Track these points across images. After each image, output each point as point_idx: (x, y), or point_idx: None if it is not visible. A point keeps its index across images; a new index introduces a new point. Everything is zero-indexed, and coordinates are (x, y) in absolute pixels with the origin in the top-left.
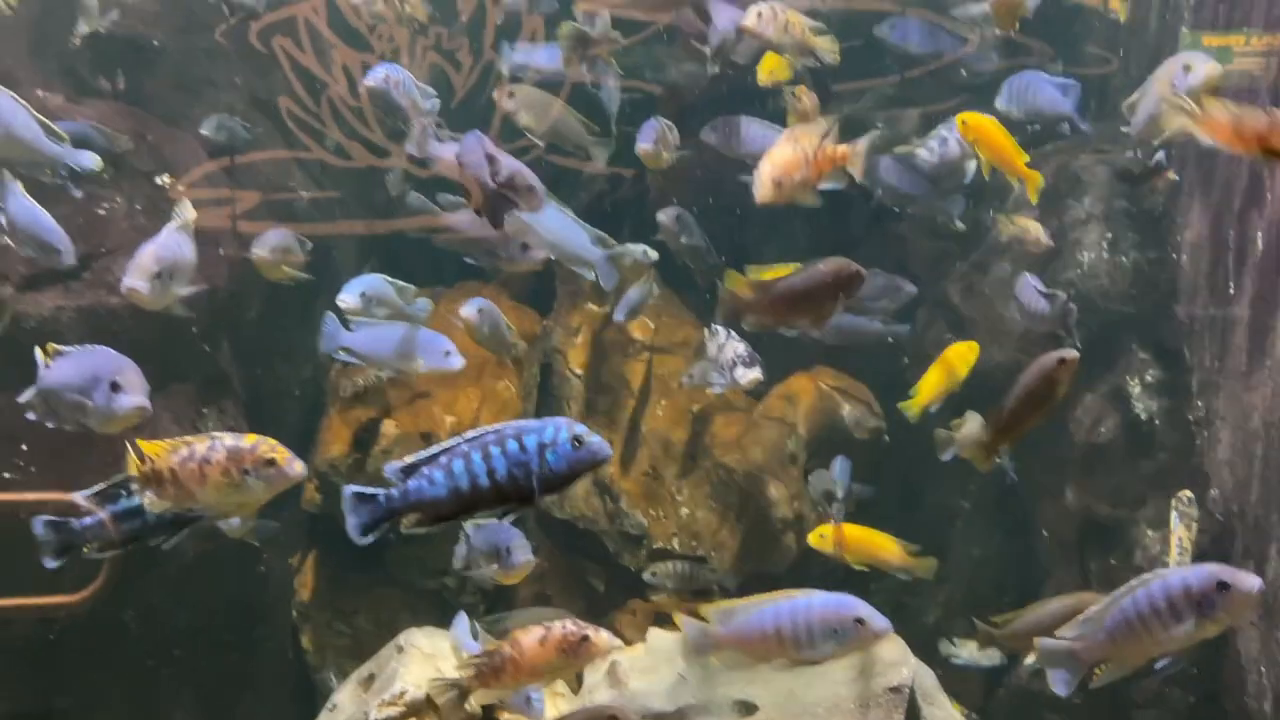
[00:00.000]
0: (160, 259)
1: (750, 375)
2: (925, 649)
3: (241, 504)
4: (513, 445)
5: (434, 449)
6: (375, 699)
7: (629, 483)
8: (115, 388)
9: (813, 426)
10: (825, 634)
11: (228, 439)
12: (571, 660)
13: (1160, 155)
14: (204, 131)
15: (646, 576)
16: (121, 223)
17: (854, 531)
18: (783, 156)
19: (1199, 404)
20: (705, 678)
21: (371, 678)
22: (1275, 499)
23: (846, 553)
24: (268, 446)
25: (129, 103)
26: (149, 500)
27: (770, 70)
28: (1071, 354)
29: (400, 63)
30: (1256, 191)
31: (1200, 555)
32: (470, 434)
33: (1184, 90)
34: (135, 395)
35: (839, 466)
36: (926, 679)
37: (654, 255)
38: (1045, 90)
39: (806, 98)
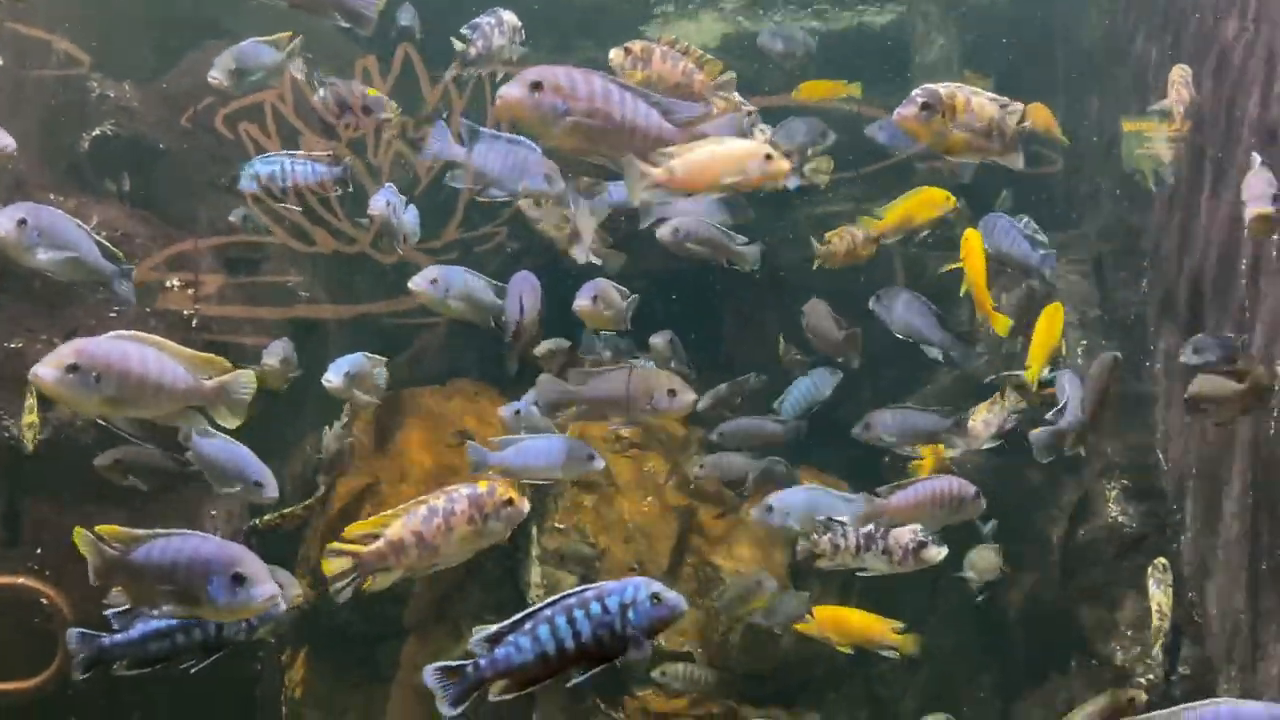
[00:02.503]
0: (83, 354)
1: (942, 552)
2: None
3: (477, 549)
4: (595, 607)
5: (519, 615)
6: None
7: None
8: (239, 580)
9: None
10: None
11: (463, 489)
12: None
13: None
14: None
15: (655, 675)
16: (133, 326)
17: (839, 613)
18: None
19: (1175, 507)
20: None
21: None
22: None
23: (833, 633)
24: (502, 488)
25: (135, 205)
26: (372, 583)
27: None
28: None
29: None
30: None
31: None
32: (552, 599)
33: None
34: (265, 585)
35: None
36: None
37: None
38: (1019, 242)
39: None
